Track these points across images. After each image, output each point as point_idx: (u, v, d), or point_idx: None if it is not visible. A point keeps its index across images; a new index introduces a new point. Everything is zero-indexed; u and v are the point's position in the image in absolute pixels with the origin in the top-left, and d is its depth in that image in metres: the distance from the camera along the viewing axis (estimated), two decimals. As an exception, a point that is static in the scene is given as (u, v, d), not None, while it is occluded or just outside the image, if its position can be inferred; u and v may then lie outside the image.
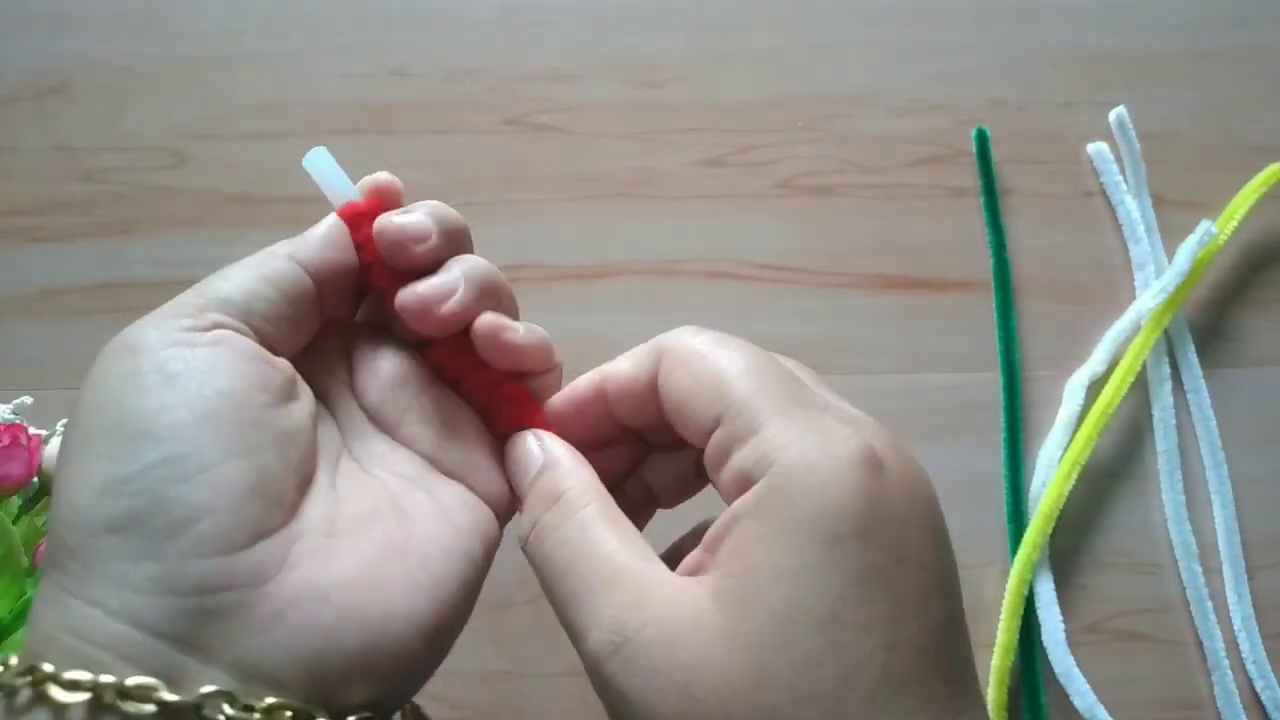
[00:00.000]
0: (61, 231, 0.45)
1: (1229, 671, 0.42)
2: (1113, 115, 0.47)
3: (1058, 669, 0.42)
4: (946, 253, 0.46)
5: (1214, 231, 0.45)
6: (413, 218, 0.27)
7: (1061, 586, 0.43)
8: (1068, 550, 0.44)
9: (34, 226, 0.45)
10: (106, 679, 0.20)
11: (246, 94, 0.47)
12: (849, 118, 0.47)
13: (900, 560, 0.22)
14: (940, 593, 0.22)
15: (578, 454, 0.27)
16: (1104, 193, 0.47)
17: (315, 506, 0.24)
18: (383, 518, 0.25)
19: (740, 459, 0.23)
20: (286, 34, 0.47)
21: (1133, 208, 0.46)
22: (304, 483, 0.24)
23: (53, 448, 0.39)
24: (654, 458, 0.30)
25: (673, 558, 0.25)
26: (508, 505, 0.28)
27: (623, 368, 0.27)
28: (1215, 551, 0.44)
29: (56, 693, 0.21)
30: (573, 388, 0.28)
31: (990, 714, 0.42)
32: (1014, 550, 0.43)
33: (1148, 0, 0.49)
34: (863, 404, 0.29)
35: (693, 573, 0.23)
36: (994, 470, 0.44)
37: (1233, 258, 0.47)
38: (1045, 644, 0.42)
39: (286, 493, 0.23)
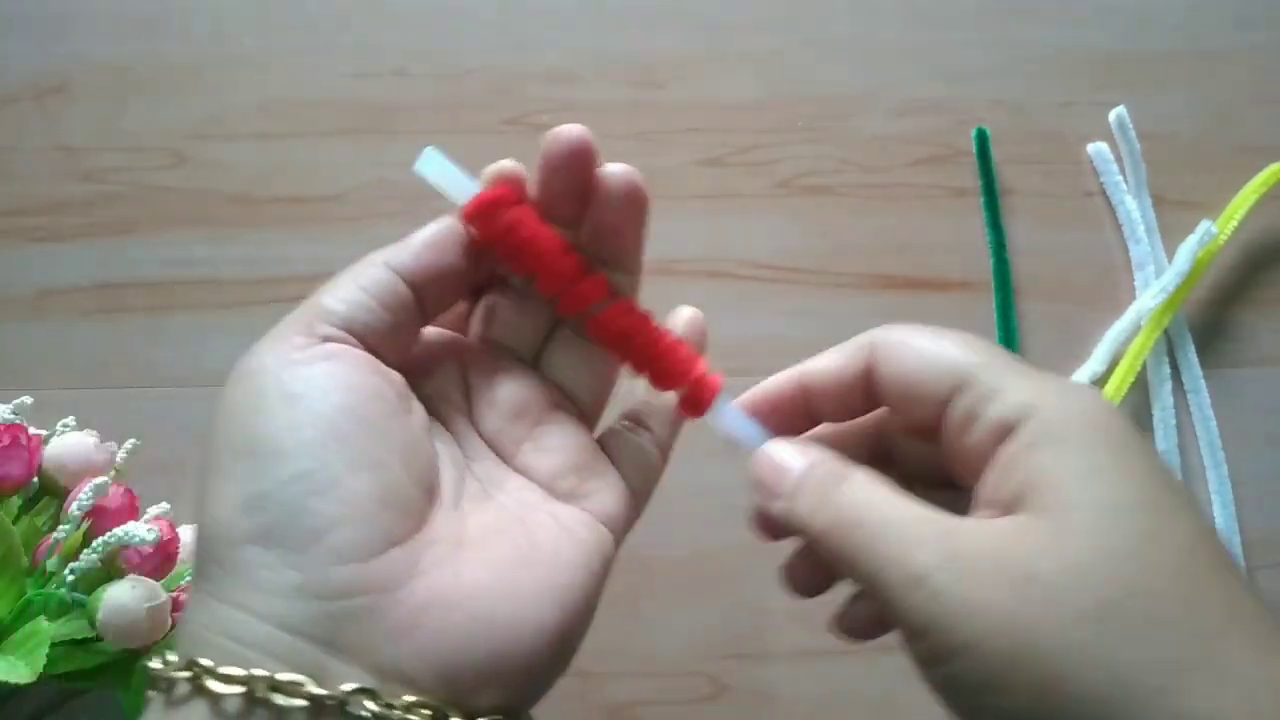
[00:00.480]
0: (61, 231, 0.45)
1: (1229, 671, 0.42)
2: (1113, 115, 0.47)
3: (1058, 669, 0.42)
4: (946, 253, 0.46)
5: (1214, 231, 0.45)
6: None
7: (1061, 586, 0.43)
8: (1068, 550, 0.44)
9: (34, 226, 0.45)
10: (260, 672, 0.22)
11: (246, 94, 0.47)
12: (849, 118, 0.47)
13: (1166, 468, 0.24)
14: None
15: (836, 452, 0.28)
16: (1104, 193, 0.47)
17: (443, 519, 0.25)
18: (508, 531, 0.26)
19: (995, 411, 0.24)
20: (286, 34, 0.47)
21: (1133, 208, 0.46)
22: (429, 494, 0.25)
23: (53, 448, 0.39)
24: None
25: None
26: (623, 523, 0.29)
27: (828, 363, 0.27)
28: (1215, 551, 0.44)
29: (214, 685, 0.22)
30: (772, 384, 0.29)
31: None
32: (1014, 550, 0.43)
33: (1147, 0, 0.49)
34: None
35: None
36: (994, 470, 0.44)
37: (1233, 258, 0.47)
38: (1045, 644, 0.42)
39: (413, 502, 0.24)
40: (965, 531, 0.23)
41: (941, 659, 0.22)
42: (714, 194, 0.46)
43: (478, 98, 0.47)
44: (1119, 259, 0.47)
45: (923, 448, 0.27)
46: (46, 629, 0.34)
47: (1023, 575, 0.21)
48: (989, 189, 0.47)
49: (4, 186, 0.46)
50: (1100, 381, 0.44)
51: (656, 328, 0.29)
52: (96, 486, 0.37)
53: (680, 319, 0.30)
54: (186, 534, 0.41)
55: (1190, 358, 0.45)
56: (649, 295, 0.30)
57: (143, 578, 0.36)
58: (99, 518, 0.37)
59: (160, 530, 0.36)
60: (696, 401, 0.29)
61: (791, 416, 0.28)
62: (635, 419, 0.30)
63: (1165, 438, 0.45)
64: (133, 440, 0.41)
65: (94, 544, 0.35)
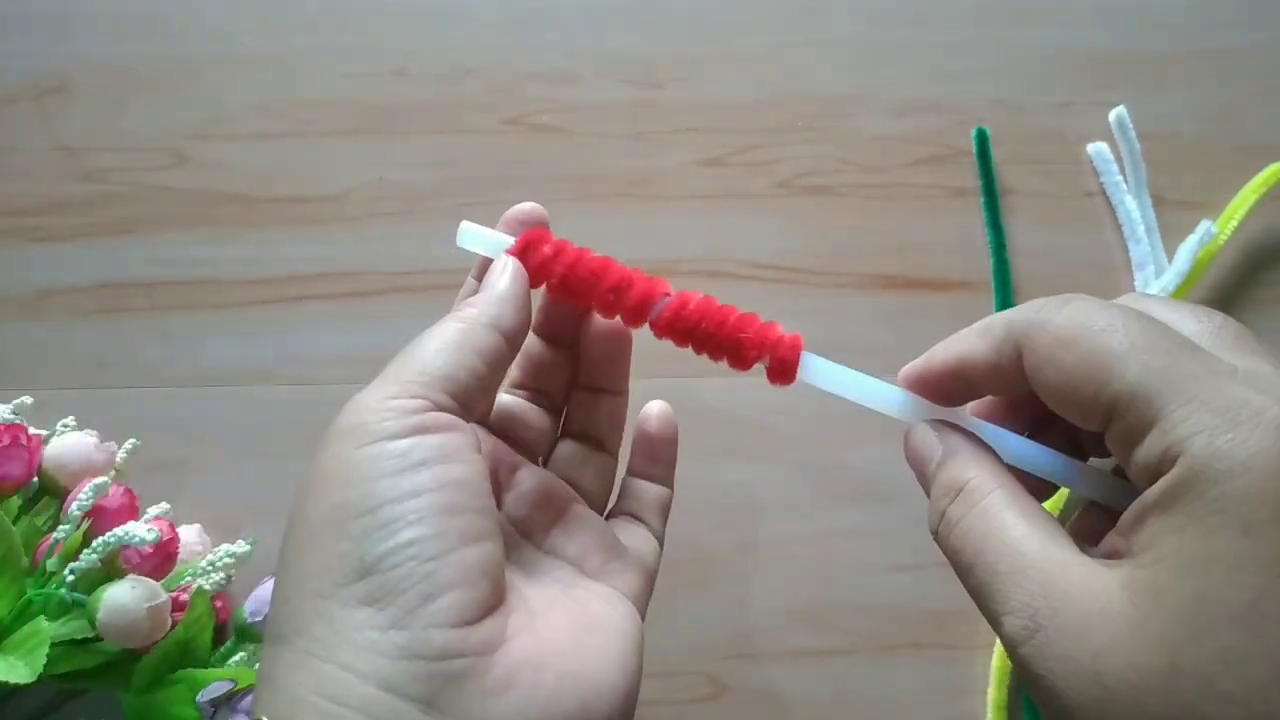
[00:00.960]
0: (61, 231, 0.45)
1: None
2: (1113, 115, 0.47)
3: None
4: (946, 253, 0.46)
5: (1214, 231, 0.45)
6: None
7: (1061, 586, 0.43)
8: (1068, 550, 0.44)
9: (34, 226, 0.45)
10: None
11: (246, 94, 0.47)
12: (849, 118, 0.47)
13: None
14: None
15: (976, 439, 0.27)
16: (1104, 193, 0.47)
17: (512, 589, 0.27)
18: (560, 602, 0.28)
19: (1144, 454, 0.22)
20: (286, 34, 0.47)
21: (1133, 208, 0.46)
22: (507, 568, 0.27)
23: (53, 448, 0.39)
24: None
25: (1080, 531, 0.26)
26: (645, 600, 0.31)
27: (977, 354, 0.26)
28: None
29: None
30: (926, 362, 0.28)
31: (990, 714, 0.42)
32: (1014, 550, 0.43)
33: (1147, 0, 0.49)
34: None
35: (1109, 556, 0.23)
36: (994, 470, 0.44)
37: (1233, 258, 0.47)
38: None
39: (502, 574, 0.26)
40: (1066, 590, 0.22)
41: (1043, 703, 0.23)
42: (714, 194, 0.46)
43: (478, 98, 0.47)
44: (1119, 259, 0.47)
45: None
46: (46, 629, 0.34)
47: (1097, 668, 0.21)
48: (989, 189, 0.47)
49: (4, 186, 0.46)
50: (1100, 381, 0.44)
51: (721, 307, 0.30)
52: (96, 486, 0.37)
53: (652, 415, 0.33)
54: (186, 534, 0.41)
55: (1190, 358, 0.45)
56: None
57: (143, 578, 0.36)
58: (99, 518, 0.37)
59: (160, 530, 0.36)
60: (784, 365, 0.29)
61: (950, 394, 0.28)
62: (631, 513, 0.33)
63: (1165, 438, 0.44)
64: (133, 440, 0.41)
65: (94, 544, 0.35)
